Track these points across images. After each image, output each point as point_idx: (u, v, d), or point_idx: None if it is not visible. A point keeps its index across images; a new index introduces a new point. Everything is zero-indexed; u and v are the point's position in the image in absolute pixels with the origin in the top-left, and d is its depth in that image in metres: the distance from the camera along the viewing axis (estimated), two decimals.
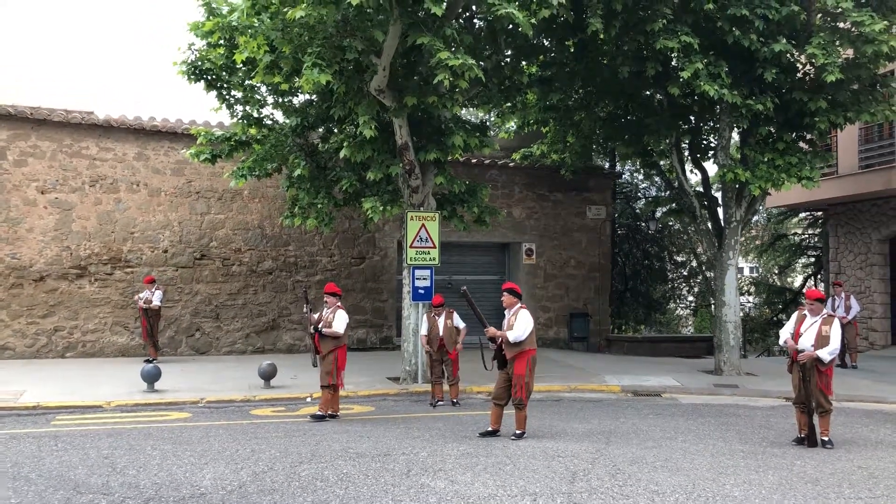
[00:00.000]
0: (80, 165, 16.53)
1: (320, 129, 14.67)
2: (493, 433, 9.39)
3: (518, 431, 9.29)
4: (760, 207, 22.07)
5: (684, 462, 8.16)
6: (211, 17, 12.89)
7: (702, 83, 13.16)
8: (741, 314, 17.00)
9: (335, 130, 14.38)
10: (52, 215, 16.35)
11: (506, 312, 9.44)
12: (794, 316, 9.60)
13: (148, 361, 14.98)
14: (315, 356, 10.69)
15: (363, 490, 6.82)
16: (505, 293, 9.49)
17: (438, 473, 7.43)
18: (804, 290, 9.68)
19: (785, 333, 9.49)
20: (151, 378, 12.41)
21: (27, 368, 14.64)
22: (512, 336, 9.14)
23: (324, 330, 10.46)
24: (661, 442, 9.26)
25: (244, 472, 7.40)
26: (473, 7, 13.22)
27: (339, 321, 10.48)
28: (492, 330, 9.31)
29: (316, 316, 10.71)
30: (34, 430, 9.51)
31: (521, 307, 9.37)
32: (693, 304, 31.48)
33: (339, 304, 10.70)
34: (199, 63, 13.38)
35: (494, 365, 9.47)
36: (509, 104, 15.72)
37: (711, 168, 17.80)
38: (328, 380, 10.44)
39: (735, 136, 16.76)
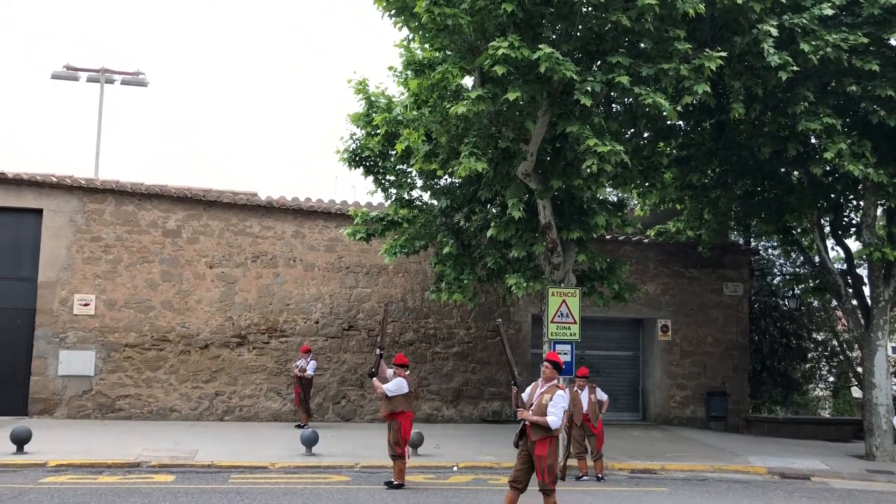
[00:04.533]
0: (244, 242, 18.07)
1: (464, 210, 15.56)
2: None
3: None
4: None
5: None
6: (370, 109, 14.20)
7: (846, 163, 13.21)
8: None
9: (477, 211, 15.23)
10: (218, 288, 17.86)
11: (540, 381, 8.62)
12: None
13: (299, 426, 15.93)
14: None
15: None
16: (548, 365, 8.60)
17: None
18: None
19: None
20: (310, 443, 13.28)
21: (194, 430, 15.86)
22: (552, 423, 8.24)
23: (375, 381, 10.82)
24: None
25: None
26: (612, 93, 13.89)
27: (392, 383, 10.77)
28: (525, 413, 8.42)
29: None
30: (218, 486, 10.45)
31: (558, 386, 8.51)
32: (833, 385, 30.06)
33: (405, 373, 10.97)
34: (359, 151, 14.66)
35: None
36: (648, 183, 16.16)
37: (854, 245, 17.49)
38: (396, 449, 10.66)
39: (879, 212, 16.50)
